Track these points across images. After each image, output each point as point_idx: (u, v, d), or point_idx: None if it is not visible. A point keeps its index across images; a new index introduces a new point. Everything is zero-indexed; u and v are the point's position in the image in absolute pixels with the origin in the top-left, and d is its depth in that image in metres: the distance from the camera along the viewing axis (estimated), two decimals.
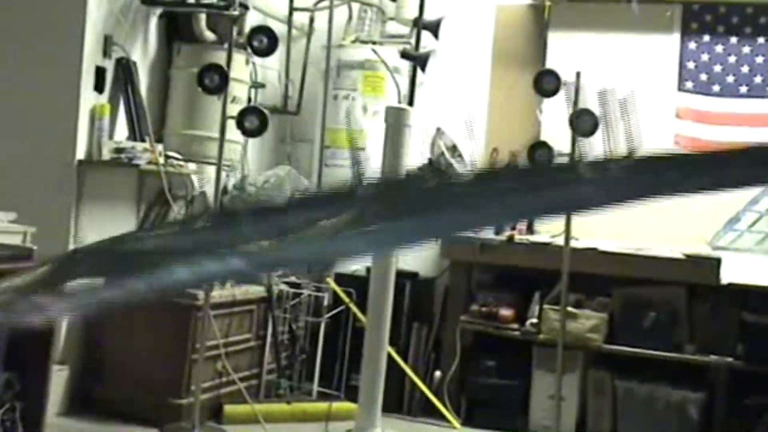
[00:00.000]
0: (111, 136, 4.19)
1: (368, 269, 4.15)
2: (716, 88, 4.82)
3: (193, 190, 4.61)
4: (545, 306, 4.43)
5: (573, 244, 4.02)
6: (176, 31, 4.59)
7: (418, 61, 4.40)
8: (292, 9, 5.10)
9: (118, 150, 4.11)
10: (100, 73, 4.13)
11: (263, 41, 3.85)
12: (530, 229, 4.81)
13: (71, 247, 4.01)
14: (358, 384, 3.89)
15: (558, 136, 4.11)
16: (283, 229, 0.85)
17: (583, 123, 3.80)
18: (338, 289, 4.66)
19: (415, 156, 4.11)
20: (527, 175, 0.88)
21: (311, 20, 5.18)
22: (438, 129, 4.77)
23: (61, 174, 4.02)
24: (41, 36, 4.06)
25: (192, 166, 4.53)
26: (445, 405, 4.49)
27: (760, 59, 4.78)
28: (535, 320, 4.45)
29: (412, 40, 4.58)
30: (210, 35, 4.54)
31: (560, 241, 4.06)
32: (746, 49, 4.79)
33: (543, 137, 4.52)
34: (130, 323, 4.11)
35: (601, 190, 0.83)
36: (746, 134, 4.69)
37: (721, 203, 4.52)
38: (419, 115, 4.27)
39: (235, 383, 4.26)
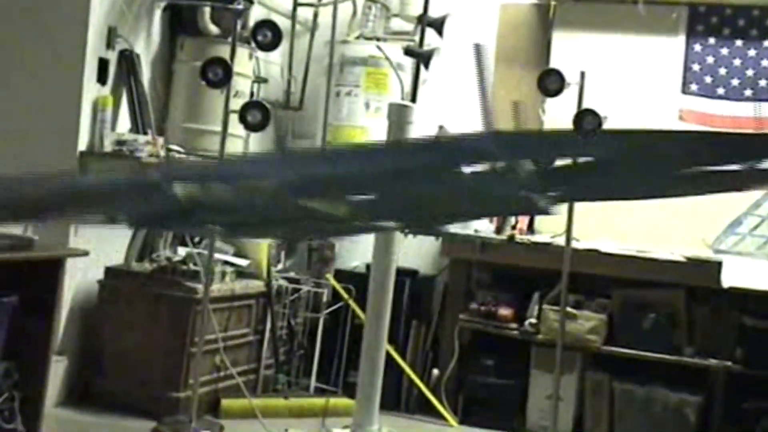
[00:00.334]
0: (113, 128, 4.19)
1: (368, 266, 4.15)
2: (721, 90, 4.80)
3: None
4: (544, 306, 4.43)
5: (574, 244, 4.01)
6: (180, 24, 4.58)
7: (422, 58, 4.38)
8: (296, 4, 5.09)
9: (120, 142, 4.11)
10: (103, 64, 4.13)
11: (267, 36, 3.84)
12: (531, 229, 4.80)
13: (72, 237, 4.02)
14: (355, 380, 3.89)
15: None
16: None
17: (587, 123, 3.80)
18: (337, 286, 4.66)
19: None
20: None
21: (315, 15, 5.17)
22: (440, 127, 4.76)
23: (63, 165, 4.02)
24: (45, 27, 4.06)
25: (193, 159, 4.52)
26: (442, 403, 4.49)
27: (765, 62, 4.76)
28: (534, 320, 4.45)
29: (416, 37, 4.57)
30: (214, 29, 4.53)
31: (561, 241, 4.06)
32: (752, 52, 4.78)
33: None
34: (129, 316, 4.11)
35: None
36: None
37: (723, 206, 4.51)
38: (422, 113, 4.26)
39: (233, 377, 4.26)
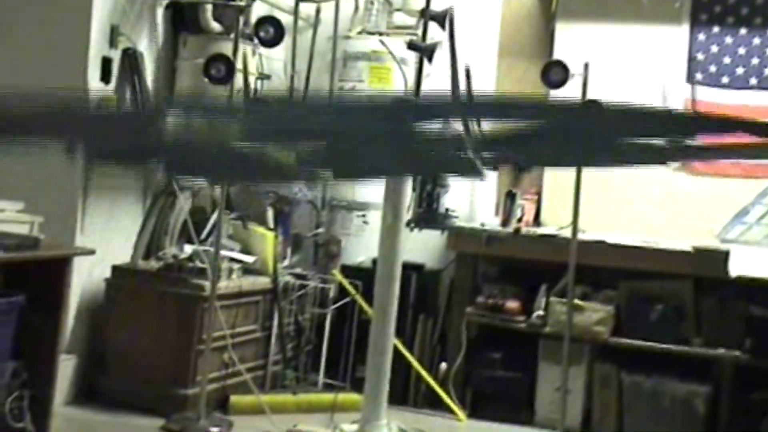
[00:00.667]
0: None
1: (374, 261, 4.15)
2: (725, 79, 4.78)
3: None
4: (551, 298, 4.42)
5: (580, 236, 4.00)
6: (182, 21, 4.58)
7: (425, 52, 4.37)
8: (298, 0, 5.08)
9: None
10: (106, 63, 4.13)
11: (269, 32, 3.85)
12: (537, 221, 4.79)
13: (78, 236, 4.02)
14: (363, 375, 3.89)
15: None
16: None
17: None
18: (344, 281, 4.66)
19: None
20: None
21: (317, 11, 5.16)
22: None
23: (68, 164, 4.02)
24: (48, 25, 4.06)
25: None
26: (450, 397, 4.49)
27: None
28: (541, 313, 4.44)
29: (419, 31, 4.55)
30: (216, 26, 4.53)
31: (567, 233, 4.05)
32: (756, 41, 4.76)
33: None
34: (136, 314, 4.12)
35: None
36: None
37: (729, 196, 4.50)
38: None
39: (241, 374, 4.27)
